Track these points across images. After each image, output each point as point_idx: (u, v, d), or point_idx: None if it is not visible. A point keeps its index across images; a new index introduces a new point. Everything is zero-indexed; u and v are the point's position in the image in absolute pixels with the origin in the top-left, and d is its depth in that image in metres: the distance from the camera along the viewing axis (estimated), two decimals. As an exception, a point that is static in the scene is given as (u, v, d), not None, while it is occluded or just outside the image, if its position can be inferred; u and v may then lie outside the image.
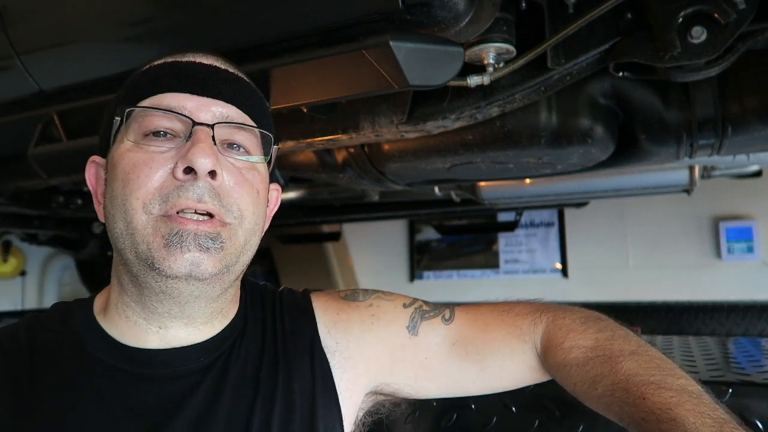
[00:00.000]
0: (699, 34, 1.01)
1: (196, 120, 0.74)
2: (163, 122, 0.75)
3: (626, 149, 1.47)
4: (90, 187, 0.85)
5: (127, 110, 0.76)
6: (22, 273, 3.91)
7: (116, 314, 0.80)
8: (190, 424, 0.75)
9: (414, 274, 3.90)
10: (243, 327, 0.87)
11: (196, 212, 0.73)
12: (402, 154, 1.55)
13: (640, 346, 0.84)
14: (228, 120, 0.77)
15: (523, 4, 1.09)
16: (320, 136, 1.35)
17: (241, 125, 0.78)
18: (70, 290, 4.12)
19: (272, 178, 0.88)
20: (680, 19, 1.02)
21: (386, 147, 1.57)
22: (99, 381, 0.75)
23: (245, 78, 0.83)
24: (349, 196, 2.56)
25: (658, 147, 1.41)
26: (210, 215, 0.73)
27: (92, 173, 0.85)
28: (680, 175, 2.04)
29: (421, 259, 3.93)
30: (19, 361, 0.76)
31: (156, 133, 0.74)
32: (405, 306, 0.97)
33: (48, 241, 3.39)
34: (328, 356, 0.90)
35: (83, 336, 0.79)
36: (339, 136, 1.34)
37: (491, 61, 1.10)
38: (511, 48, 1.09)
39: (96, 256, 3.57)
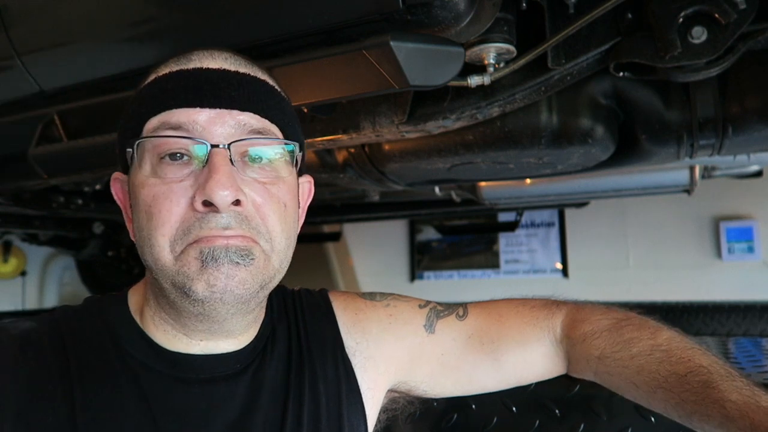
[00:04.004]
0: (699, 35, 1.01)
1: (211, 139, 0.70)
2: (177, 144, 0.70)
3: (627, 149, 1.47)
4: (119, 203, 0.81)
5: (136, 143, 0.72)
6: (23, 273, 3.91)
7: (153, 326, 0.78)
8: (229, 427, 0.75)
9: (414, 274, 3.90)
10: (272, 330, 0.88)
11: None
12: (402, 154, 1.55)
13: (671, 329, 0.84)
14: (246, 128, 0.72)
15: (524, 4, 1.09)
16: (321, 137, 1.35)
17: (258, 138, 0.73)
18: (70, 290, 4.12)
19: (301, 172, 0.84)
20: (681, 20, 1.02)
21: (387, 147, 1.58)
22: (141, 382, 0.74)
23: (260, 76, 0.77)
24: (349, 196, 2.57)
25: (658, 147, 1.41)
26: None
27: (118, 189, 0.81)
28: (681, 175, 2.04)
29: (422, 259, 3.93)
30: (65, 353, 0.74)
31: (172, 156, 0.70)
32: (420, 306, 0.98)
33: (48, 241, 3.39)
34: (349, 356, 0.91)
35: (122, 336, 0.78)
36: (339, 136, 1.34)
37: (492, 61, 1.10)
38: (512, 48, 1.09)
39: (96, 256, 3.57)
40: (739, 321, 2.95)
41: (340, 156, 1.69)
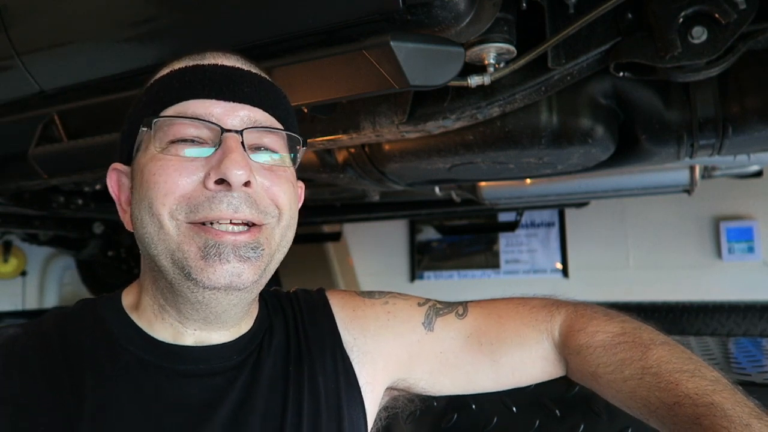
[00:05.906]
0: (699, 35, 1.02)
1: (225, 126, 0.73)
2: (191, 130, 0.73)
3: (627, 149, 1.47)
4: (113, 195, 0.83)
5: (154, 121, 0.73)
6: (23, 273, 3.91)
7: (152, 315, 0.79)
8: (229, 419, 0.76)
9: (414, 274, 3.91)
10: (269, 324, 0.89)
11: (231, 222, 0.72)
12: (402, 154, 1.56)
13: (668, 339, 0.84)
14: (256, 124, 0.76)
15: (524, 4, 1.09)
16: (321, 137, 1.35)
17: (269, 129, 0.77)
18: (70, 290, 4.13)
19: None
20: (681, 20, 1.02)
21: (387, 147, 1.58)
22: (138, 378, 0.75)
23: (269, 79, 0.82)
24: (349, 196, 2.57)
25: (658, 147, 1.41)
26: (246, 224, 0.73)
27: (114, 180, 0.83)
28: (681, 175, 2.04)
29: (422, 259, 3.93)
30: (54, 359, 0.75)
31: (183, 141, 0.73)
32: (420, 304, 0.99)
33: (49, 241, 3.39)
34: (347, 351, 0.92)
35: (117, 333, 0.78)
36: (339, 136, 1.34)
37: (492, 61, 1.10)
38: (512, 48, 1.09)
39: (96, 256, 3.58)
40: (739, 321, 2.95)
41: (340, 156, 1.69)
